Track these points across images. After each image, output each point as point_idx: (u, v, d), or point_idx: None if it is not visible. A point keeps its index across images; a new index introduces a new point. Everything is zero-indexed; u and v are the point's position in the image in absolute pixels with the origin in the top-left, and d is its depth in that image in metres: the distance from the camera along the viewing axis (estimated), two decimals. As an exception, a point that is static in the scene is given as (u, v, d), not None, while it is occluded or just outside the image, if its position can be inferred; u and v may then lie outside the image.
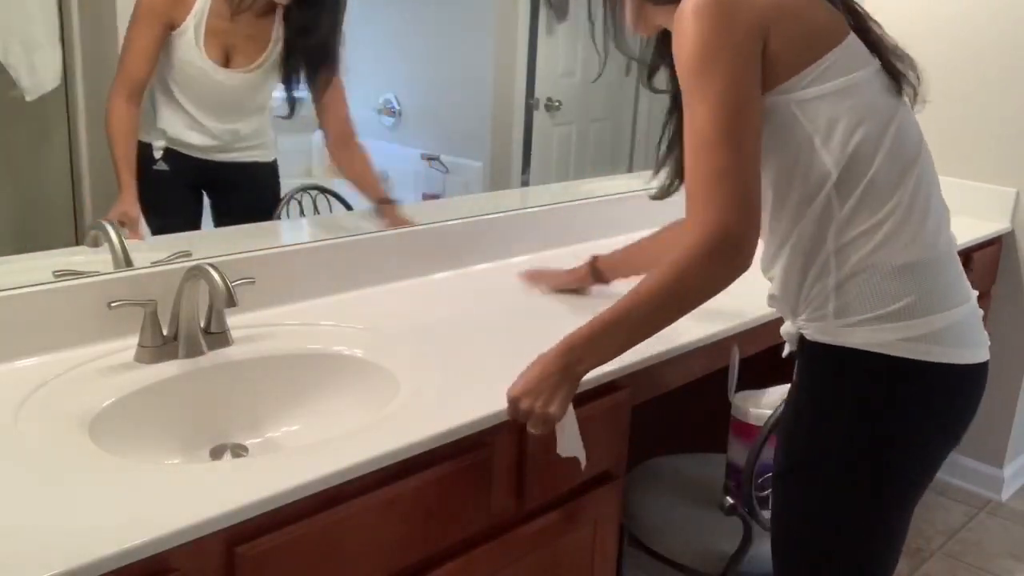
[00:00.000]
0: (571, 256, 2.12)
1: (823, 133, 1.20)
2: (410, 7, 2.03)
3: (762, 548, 1.64)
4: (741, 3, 1.16)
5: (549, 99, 2.27)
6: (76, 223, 1.53)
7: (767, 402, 1.63)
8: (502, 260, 2.04)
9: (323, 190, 1.92)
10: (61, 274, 1.41)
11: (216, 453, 1.35)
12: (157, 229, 1.64)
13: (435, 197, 2.09)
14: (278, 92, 1.78)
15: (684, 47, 1.17)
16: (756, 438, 1.52)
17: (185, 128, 1.69)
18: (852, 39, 1.22)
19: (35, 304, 1.36)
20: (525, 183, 2.30)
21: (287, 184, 1.88)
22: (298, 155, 1.94)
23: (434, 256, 1.90)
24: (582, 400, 1.44)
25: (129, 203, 1.59)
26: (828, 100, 1.20)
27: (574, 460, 1.45)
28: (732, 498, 1.56)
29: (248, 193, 1.84)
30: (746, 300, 1.83)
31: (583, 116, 2.58)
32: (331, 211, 1.92)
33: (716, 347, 1.69)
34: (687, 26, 1.17)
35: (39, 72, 1.45)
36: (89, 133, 1.50)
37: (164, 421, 1.33)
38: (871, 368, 1.23)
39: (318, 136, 1.98)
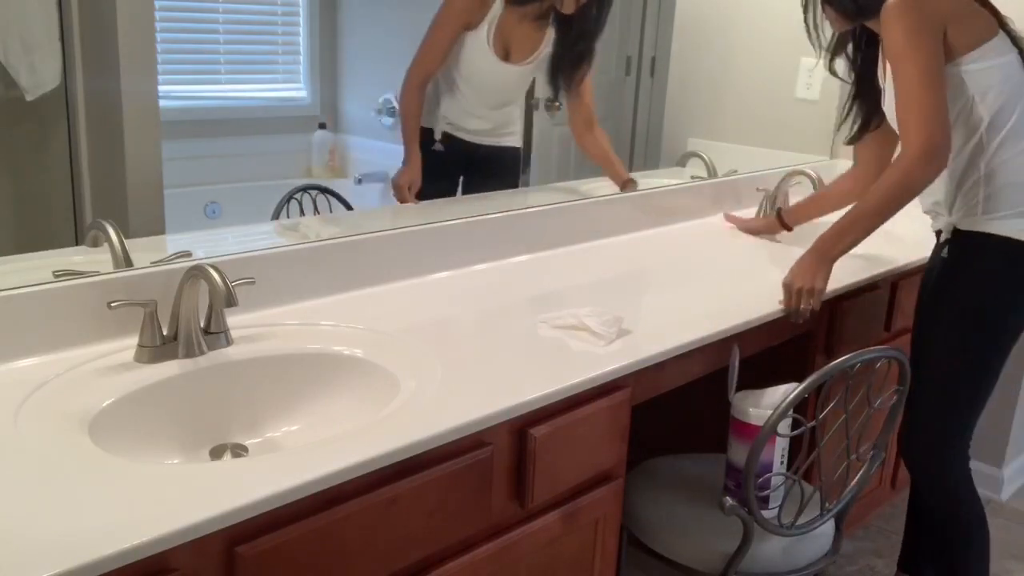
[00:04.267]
0: (571, 256, 2.13)
1: (981, 93, 1.77)
2: (410, 7, 2.04)
3: (762, 548, 1.65)
4: (928, 6, 1.72)
5: (549, 99, 2.27)
6: (76, 223, 1.53)
7: (767, 402, 1.63)
8: (501, 260, 2.04)
9: (323, 190, 1.92)
10: (61, 274, 1.41)
11: (216, 453, 1.35)
12: (425, 197, 1.99)
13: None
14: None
15: (895, 31, 1.72)
16: (756, 438, 1.52)
17: (463, 114, 2.05)
18: (1001, 34, 1.78)
19: (35, 304, 1.36)
20: (525, 183, 2.30)
21: (287, 184, 1.88)
22: (298, 155, 1.94)
23: (434, 256, 1.90)
24: (583, 400, 1.44)
25: (416, 171, 1.97)
26: (986, 72, 1.76)
27: (572, 460, 1.45)
28: (732, 498, 1.56)
29: (496, 173, 2.19)
30: (749, 300, 1.84)
31: (583, 116, 2.57)
32: (331, 211, 1.92)
33: (716, 347, 1.69)
34: (894, 18, 1.72)
35: (39, 72, 1.45)
36: (89, 133, 1.50)
37: (164, 421, 1.32)
38: (1006, 251, 1.79)
39: (318, 136, 1.98)
